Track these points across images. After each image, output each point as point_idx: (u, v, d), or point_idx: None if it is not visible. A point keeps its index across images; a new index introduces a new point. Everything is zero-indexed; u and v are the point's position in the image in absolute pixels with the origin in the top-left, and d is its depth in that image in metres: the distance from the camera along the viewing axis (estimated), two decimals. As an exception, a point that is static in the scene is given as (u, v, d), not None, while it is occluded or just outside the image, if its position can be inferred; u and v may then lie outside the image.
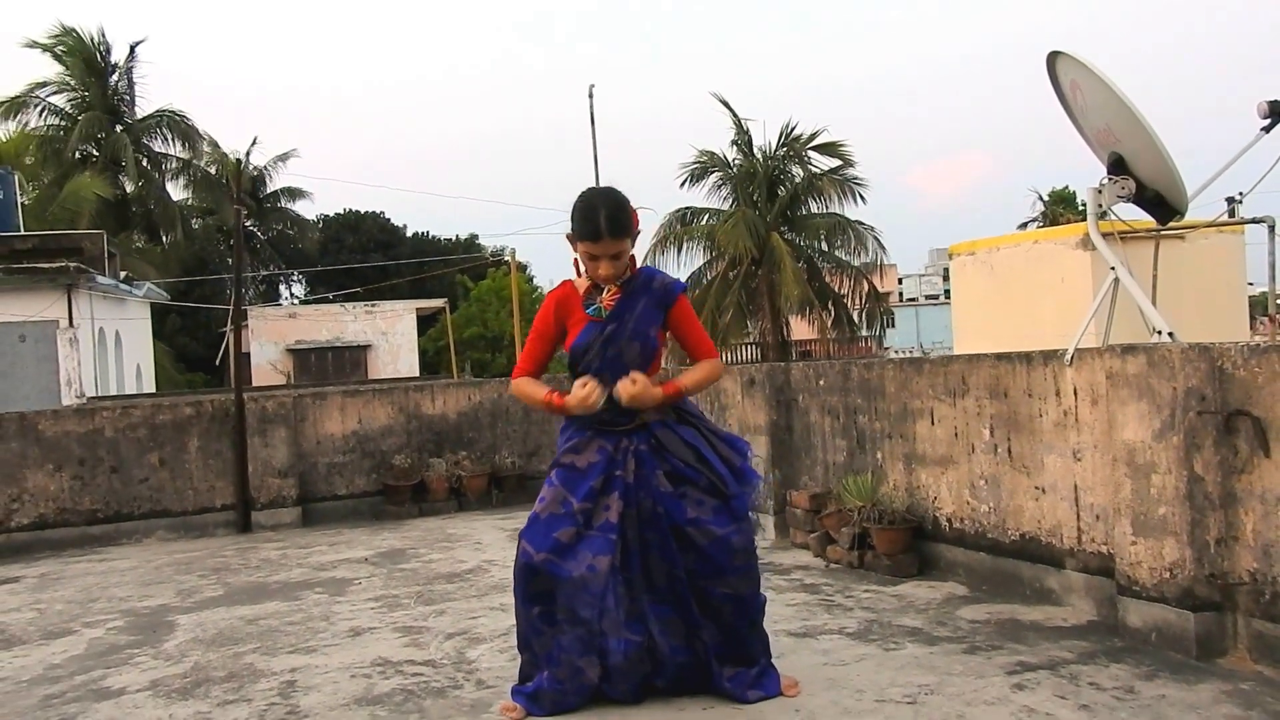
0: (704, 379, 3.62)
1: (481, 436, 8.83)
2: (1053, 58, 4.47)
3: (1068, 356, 4.31)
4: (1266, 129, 4.19)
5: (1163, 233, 4.89)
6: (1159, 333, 4.02)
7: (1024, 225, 46.28)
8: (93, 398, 17.75)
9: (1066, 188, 50.28)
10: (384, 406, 8.56)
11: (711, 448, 3.55)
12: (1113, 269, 4.31)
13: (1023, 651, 3.88)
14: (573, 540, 3.43)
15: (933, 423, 5.19)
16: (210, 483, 7.98)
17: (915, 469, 5.34)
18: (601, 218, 3.38)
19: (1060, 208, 47.47)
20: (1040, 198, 47.86)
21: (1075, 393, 4.30)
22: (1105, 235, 4.62)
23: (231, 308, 8.39)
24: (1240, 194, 4.62)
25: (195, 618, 5.18)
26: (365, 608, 5.20)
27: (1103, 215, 4.44)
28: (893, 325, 31.97)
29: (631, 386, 3.36)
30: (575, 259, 3.56)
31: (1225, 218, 5.05)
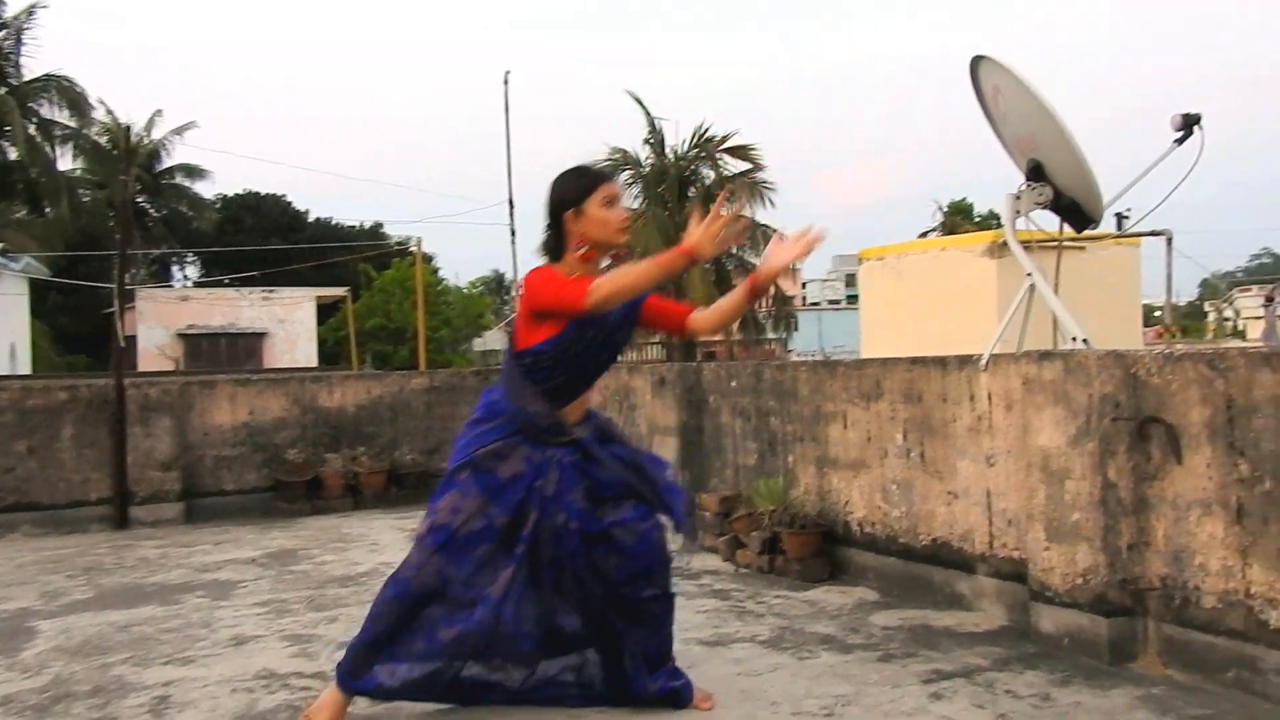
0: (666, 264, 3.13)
1: (381, 432, 8.51)
2: (975, 62, 4.42)
3: (983, 362, 4.27)
4: (1179, 141, 4.21)
5: (1064, 243, 4.91)
6: (1074, 339, 3.99)
7: (924, 234, 47.31)
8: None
9: (964, 199, 51.62)
10: (278, 397, 8.18)
11: (639, 467, 3.42)
12: (1029, 275, 4.28)
13: (937, 659, 3.81)
14: (489, 558, 3.22)
15: (846, 426, 5.12)
16: (85, 474, 7.50)
17: (827, 473, 5.26)
18: (598, 168, 3.34)
19: (959, 218, 48.69)
20: (940, 208, 48.96)
21: (990, 398, 4.26)
22: (1022, 242, 4.61)
23: (116, 286, 7.91)
24: (1128, 209, 4.64)
25: (60, 623, 4.80)
26: (250, 613, 4.90)
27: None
28: (796, 329, 32.31)
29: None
30: (579, 244, 3.21)
31: (1120, 229, 5.07)
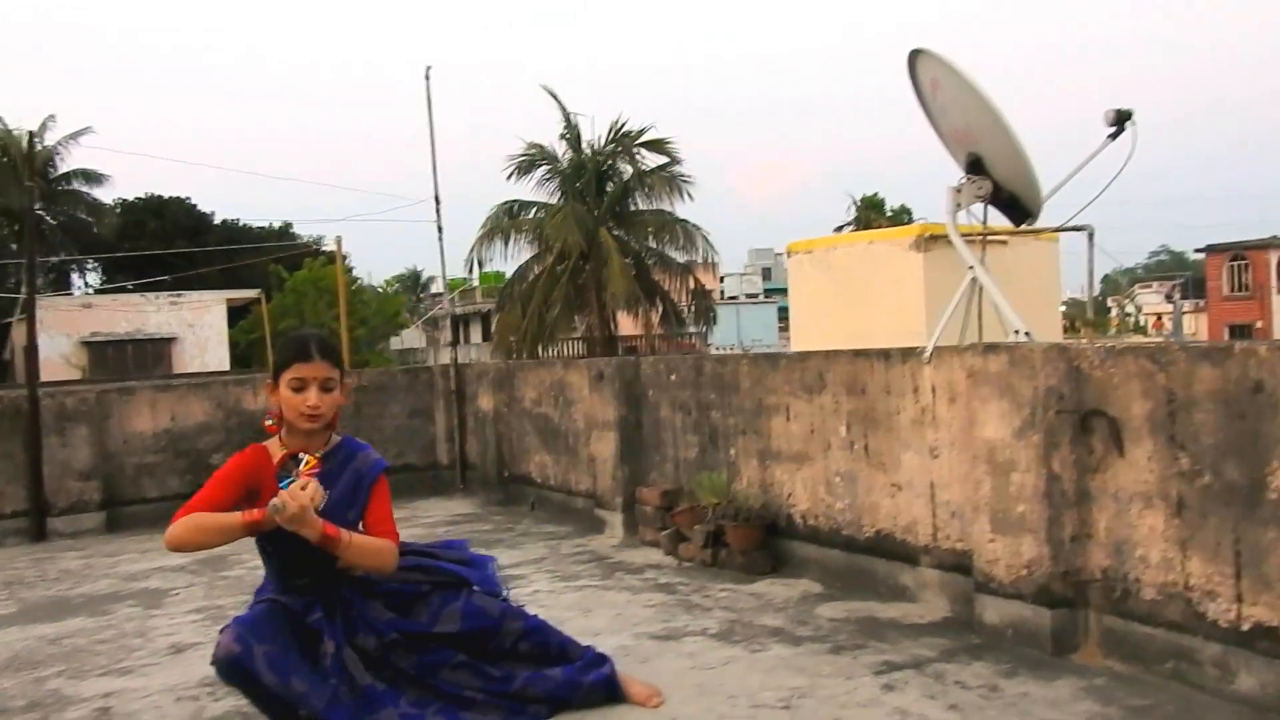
0: (374, 551, 3.08)
1: (308, 434, 8.32)
2: (914, 55, 4.50)
3: (926, 354, 4.34)
4: (1112, 136, 4.33)
5: (987, 237, 5.02)
6: (1017, 332, 4.09)
7: (840, 228, 48.11)
8: None
9: (876, 194, 52.54)
10: (200, 402, 7.95)
11: (432, 558, 3.39)
12: (971, 268, 4.37)
13: (886, 650, 3.88)
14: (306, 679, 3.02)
15: (788, 419, 5.17)
16: (-1, 487, 7.21)
17: (770, 466, 5.31)
18: (312, 341, 3.11)
19: (872, 213, 49.58)
20: (855, 202, 49.81)
21: (933, 390, 4.34)
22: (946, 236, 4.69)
23: (26, 294, 7.60)
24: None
25: (-15, 639, 4.61)
26: (186, 621, 4.77)
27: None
28: (715, 322, 32.53)
29: (301, 496, 2.86)
30: (269, 416, 3.17)
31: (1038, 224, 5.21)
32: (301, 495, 2.86)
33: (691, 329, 30.95)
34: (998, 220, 4.80)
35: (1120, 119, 4.24)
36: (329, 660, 3.02)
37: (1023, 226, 4.50)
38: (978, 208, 4.55)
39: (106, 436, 7.54)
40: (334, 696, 2.99)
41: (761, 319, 50.73)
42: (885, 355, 4.60)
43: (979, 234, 4.93)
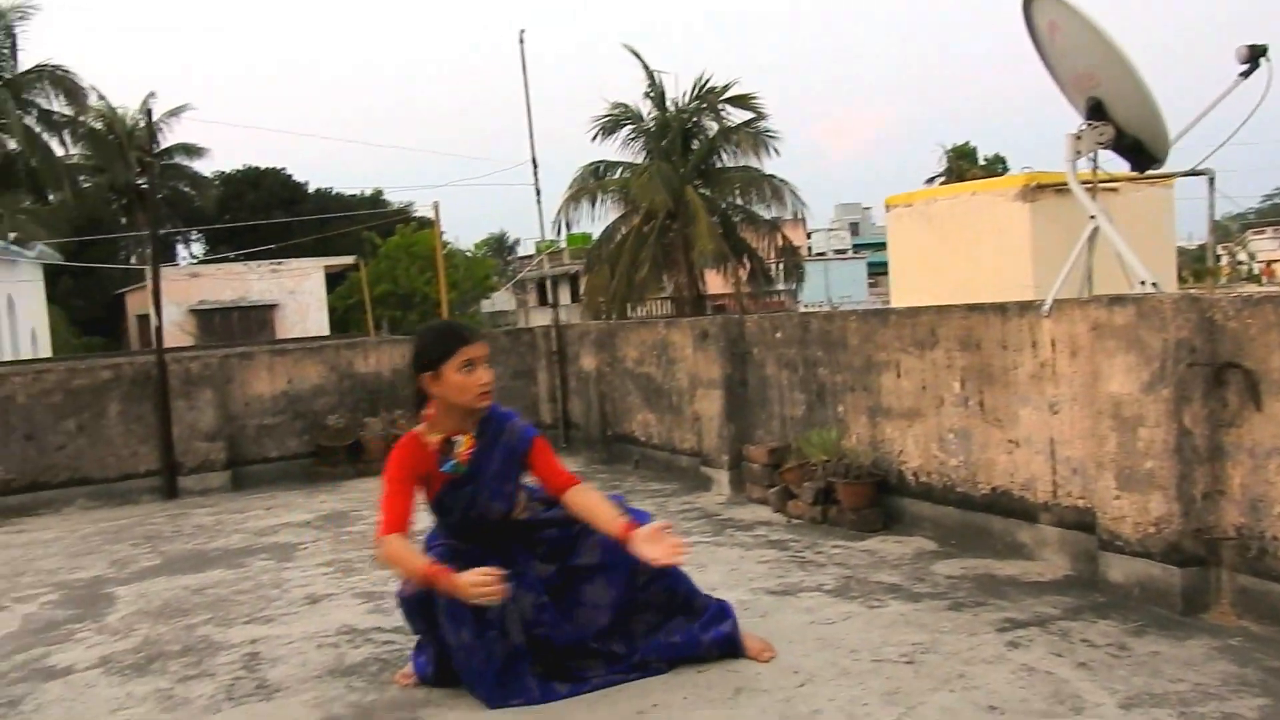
0: (591, 507, 3.28)
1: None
2: (1029, -1, 4.37)
3: (1046, 307, 4.28)
4: (1244, 74, 4.15)
5: (1098, 184, 4.87)
6: (1144, 283, 4.00)
7: (930, 180, 47.11)
8: (-15, 360, 16.84)
9: (968, 143, 51.25)
10: (314, 365, 8.22)
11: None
12: (1092, 217, 4.27)
13: (1008, 608, 3.87)
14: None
15: (899, 375, 5.15)
16: (133, 448, 7.57)
17: (880, 422, 5.31)
18: (463, 328, 3.30)
19: (964, 162, 48.40)
20: (946, 152, 48.66)
21: (1053, 344, 4.28)
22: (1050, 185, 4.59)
23: (151, 268, 7.94)
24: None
25: (135, 589, 4.89)
26: (318, 574, 4.98)
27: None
28: (804, 279, 32.24)
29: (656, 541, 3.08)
30: (426, 409, 3.28)
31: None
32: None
33: (780, 286, 30.73)
34: (1115, 167, 4.68)
35: (1254, 55, 4.05)
36: (493, 612, 3.14)
37: (1147, 172, 4.36)
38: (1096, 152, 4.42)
39: (229, 399, 7.86)
40: (487, 657, 3.15)
41: (850, 275, 50.02)
42: (1001, 309, 4.54)
43: (1092, 181, 4.81)
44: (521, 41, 10.13)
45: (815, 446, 5.45)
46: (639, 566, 3.25)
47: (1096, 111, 4.22)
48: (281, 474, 8.01)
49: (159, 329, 7.81)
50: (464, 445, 3.25)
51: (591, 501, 3.29)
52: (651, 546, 3.09)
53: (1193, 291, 3.65)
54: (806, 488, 5.46)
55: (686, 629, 3.42)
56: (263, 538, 5.93)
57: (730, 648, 3.44)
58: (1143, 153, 4.25)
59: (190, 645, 3.94)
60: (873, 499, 5.25)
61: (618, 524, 3.18)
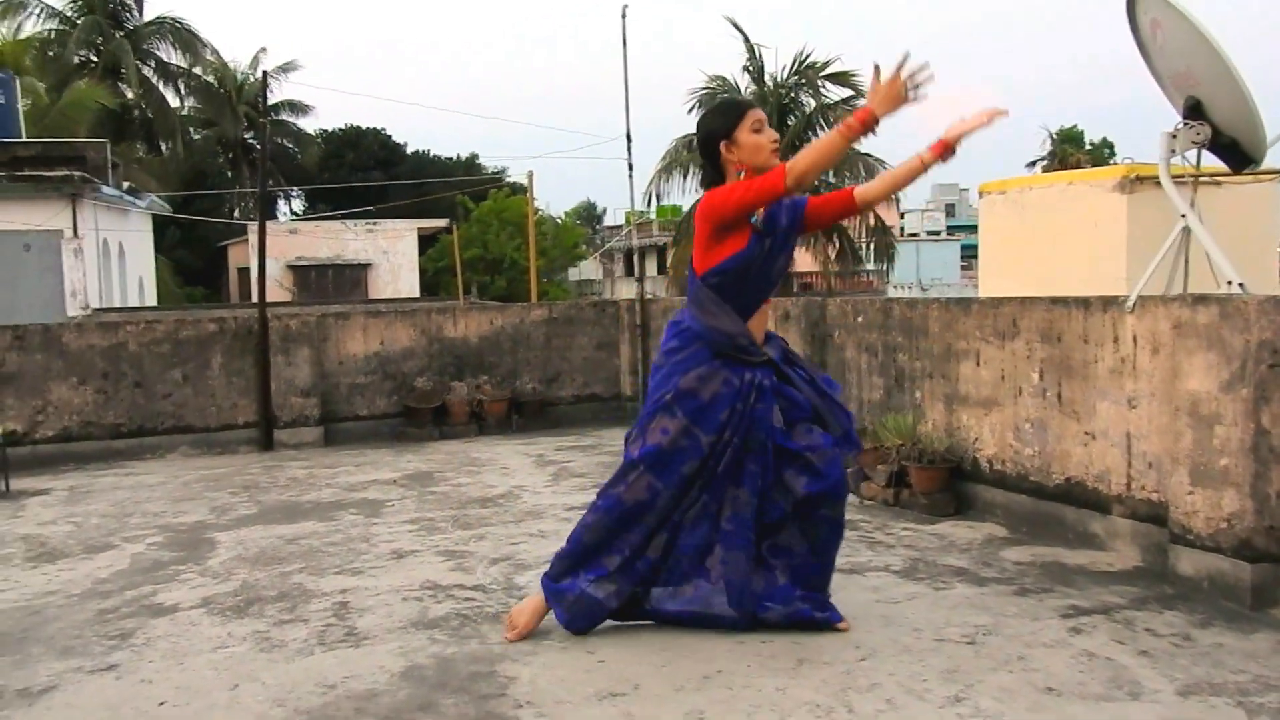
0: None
1: (502, 361, 8.80)
2: (1133, -4, 4.34)
3: (1129, 303, 4.27)
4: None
5: (1200, 179, 4.81)
6: (1230, 283, 3.98)
7: (1033, 164, 45.99)
8: (97, 309, 17.67)
9: (1075, 126, 49.86)
10: (406, 328, 8.51)
11: (821, 389, 3.61)
12: (1183, 216, 4.24)
13: (1073, 595, 3.91)
14: (693, 474, 3.45)
15: (978, 364, 5.17)
16: (233, 400, 7.96)
17: (956, 409, 5.34)
18: (742, 98, 3.50)
19: (1069, 146, 47.09)
20: (1050, 135, 47.42)
21: (1135, 340, 4.28)
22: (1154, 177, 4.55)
23: (259, 223, 8.28)
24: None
25: (234, 535, 5.20)
26: (403, 530, 5.22)
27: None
28: (894, 260, 31.81)
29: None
30: (734, 167, 3.44)
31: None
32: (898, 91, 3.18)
33: (870, 266, 30.41)
34: (1212, 163, 4.63)
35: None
36: (728, 449, 3.42)
37: (1244, 172, 4.31)
38: (1191, 151, 4.39)
39: (324, 357, 8.19)
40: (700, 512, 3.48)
41: (942, 257, 49.11)
42: (1084, 303, 4.53)
43: (1191, 175, 4.76)
44: (624, 17, 10.22)
45: (891, 430, 5.51)
46: (833, 494, 3.47)
47: (1194, 111, 4.20)
48: (370, 432, 8.33)
49: (263, 288, 8.16)
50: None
51: (882, 176, 3.52)
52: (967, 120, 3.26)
53: (1278, 295, 3.62)
54: (880, 470, 5.52)
55: (805, 605, 3.53)
56: (352, 493, 6.21)
57: (824, 628, 3.55)
58: (1239, 152, 4.20)
59: (285, 592, 4.20)
60: (945, 484, 5.29)
61: (920, 154, 3.33)
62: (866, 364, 6.05)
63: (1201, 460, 3.81)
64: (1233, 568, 3.73)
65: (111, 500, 6.22)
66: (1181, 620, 3.62)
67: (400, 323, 8.53)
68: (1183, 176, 4.76)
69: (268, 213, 38.84)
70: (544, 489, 6.17)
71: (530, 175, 28.11)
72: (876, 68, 3.19)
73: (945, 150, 3.29)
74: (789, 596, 3.53)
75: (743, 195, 3.32)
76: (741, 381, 3.44)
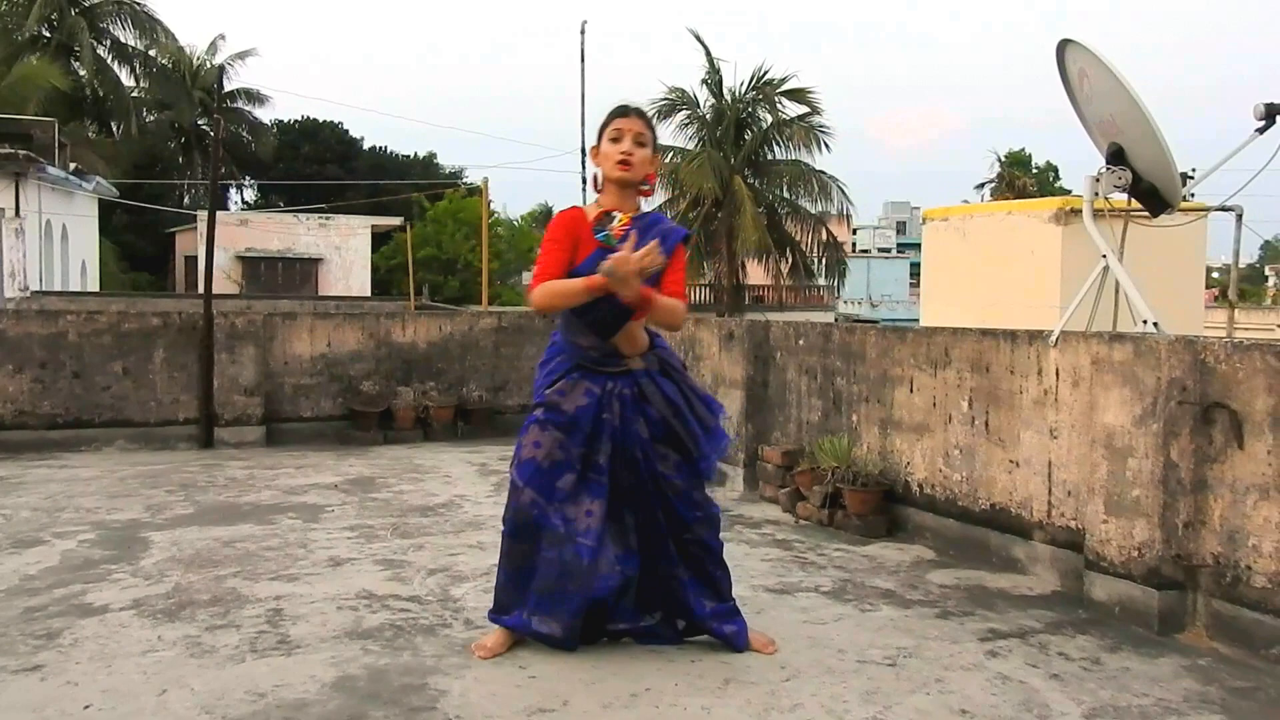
0: (670, 310, 3.41)
1: (450, 368, 8.83)
2: (1062, 46, 4.53)
3: (1053, 338, 4.43)
4: (1261, 130, 4.31)
5: (1131, 213, 5.00)
6: (1145, 322, 4.15)
7: (981, 186, 46.81)
8: (36, 292, 17.38)
9: (1023, 150, 50.81)
10: (354, 331, 8.50)
11: (689, 405, 3.59)
12: (1104, 256, 4.42)
13: (993, 619, 4.05)
14: (573, 488, 3.49)
15: (912, 390, 5.31)
16: (174, 395, 7.90)
17: (890, 434, 5.48)
18: (630, 105, 3.50)
19: (1017, 170, 47.99)
20: (999, 159, 48.29)
21: (1057, 373, 4.44)
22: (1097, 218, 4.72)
23: (209, 215, 8.21)
24: (1193, 169, 4.70)
25: (169, 535, 5.18)
26: (341, 537, 5.23)
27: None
28: (845, 276, 32.24)
29: (633, 261, 3.18)
30: (593, 174, 3.54)
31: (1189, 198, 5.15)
32: (633, 260, 3.17)
33: (821, 281, 30.78)
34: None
35: (1271, 113, 4.22)
36: (604, 458, 3.46)
37: (1160, 216, 4.52)
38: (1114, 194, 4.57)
39: (270, 356, 8.17)
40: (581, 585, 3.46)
41: (893, 274, 49.78)
42: (1012, 336, 4.69)
43: (1122, 210, 4.93)
44: (583, 33, 10.28)
45: (827, 452, 5.63)
46: (697, 518, 3.57)
47: (1117, 157, 4.39)
48: (314, 434, 8.31)
49: (209, 283, 8.11)
50: (621, 220, 3.43)
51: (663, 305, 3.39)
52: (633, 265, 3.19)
53: (1188, 334, 3.80)
54: (816, 491, 5.64)
55: (714, 609, 3.63)
56: (292, 496, 6.21)
57: (733, 647, 3.64)
58: (1157, 198, 4.40)
59: (219, 596, 4.21)
60: (878, 506, 5.43)
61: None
62: (806, 386, 6.18)
63: (1115, 490, 3.97)
64: (1142, 594, 3.89)
65: (43, 493, 6.15)
66: (1093, 644, 3.77)
67: (349, 325, 8.53)
68: (1115, 211, 4.95)
69: (218, 202, 38.40)
70: (485, 499, 6.21)
71: (485, 181, 28.05)
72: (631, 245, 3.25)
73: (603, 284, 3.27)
74: (696, 606, 3.62)
75: (538, 257, 3.47)
76: (603, 391, 3.47)
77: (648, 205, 3.72)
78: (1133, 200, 4.71)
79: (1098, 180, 4.45)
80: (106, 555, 4.80)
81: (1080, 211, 7.56)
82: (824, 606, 4.20)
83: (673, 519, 3.58)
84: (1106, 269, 4.42)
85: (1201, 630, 3.82)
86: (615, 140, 3.43)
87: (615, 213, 3.46)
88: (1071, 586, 4.35)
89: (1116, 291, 4.75)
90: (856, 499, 5.41)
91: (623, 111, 3.47)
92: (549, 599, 3.52)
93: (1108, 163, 4.42)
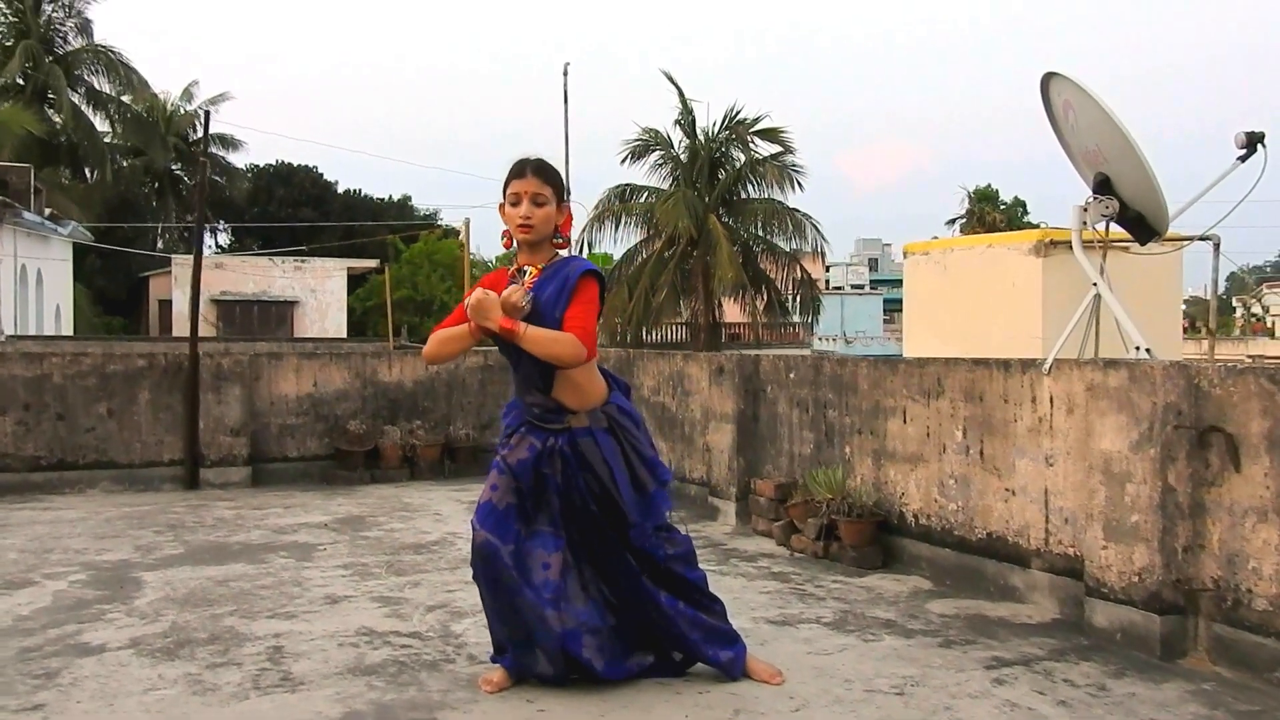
0: (548, 342, 3.32)
1: (436, 406, 8.81)
2: (1047, 79, 4.63)
3: (1046, 366, 4.49)
4: (1242, 159, 4.40)
5: (1109, 244, 5.09)
6: (1138, 349, 4.21)
7: (952, 221, 47.40)
8: (11, 337, 17.19)
9: (990, 185, 51.50)
10: (340, 371, 8.48)
11: (627, 468, 3.55)
12: (1094, 284, 4.49)
13: (996, 647, 4.06)
14: (529, 534, 3.50)
15: (905, 421, 5.35)
16: (159, 436, 7.83)
17: (884, 465, 5.51)
18: (528, 162, 3.50)
19: (985, 205, 48.63)
20: (968, 194, 48.95)
21: (1051, 401, 4.49)
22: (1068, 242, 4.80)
23: (194, 259, 8.19)
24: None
25: (161, 575, 5.12)
26: (336, 575, 5.19)
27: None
28: (820, 313, 32.46)
29: (490, 296, 3.32)
30: (504, 231, 3.56)
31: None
32: (490, 295, 3.32)
33: (796, 318, 30.95)
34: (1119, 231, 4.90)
35: (1251, 141, 4.32)
36: (554, 510, 3.49)
37: (1149, 244, 4.60)
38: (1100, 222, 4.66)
39: (256, 396, 8.12)
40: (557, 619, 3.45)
41: (866, 310, 50.19)
42: (1005, 365, 4.75)
43: (1102, 242, 5.02)
44: (566, 75, 10.39)
45: (821, 484, 5.65)
46: (658, 547, 3.58)
47: (1104, 186, 4.47)
48: (300, 474, 8.25)
49: (195, 324, 8.08)
50: (530, 275, 3.48)
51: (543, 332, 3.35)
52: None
53: (1181, 359, 3.86)
54: (810, 523, 5.65)
55: (705, 638, 3.62)
56: (282, 535, 6.15)
57: (731, 675, 3.63)
58: (1144, 225, 4.48)
59: (216, 634, 4.16)
60: (873, 537, 5.44)
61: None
62: (798, 419, 6.21)
63: (1114, 516, 4.01)
64: (1144, 619, 3.92)
65: (29, 535, 6.07)
66: (1097, 671, 3.78)
67: (334, 364, 8.50)
68: (1093, 241, 5.04)
69: (189, 245, 38.21)
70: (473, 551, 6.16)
71: (467, 222, 28.13)
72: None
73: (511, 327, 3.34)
74: (686, 637, 3.62)
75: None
76: (544, 445, 3.49)
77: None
78: (1112, 229, 4.81)
79: (1085, 209, 4.53)
80: (99, 595, 4.74)
81: (1059, 243, 7.75)
82: (826, 637, 4.20)
83: (643, 558, 3.58)
84: (1098, 297, 4.49)
85: (1204, 655, 3.84)
86: (515, 204, 3.46)
87: (526, 267, 3.51)
88: (1071, 613, 4.37)
89: (1096, 321, 4.85)
90: (851, 530, 5.43)
91: (519, 172, 3.47)
92: (524, 645, 3.50)
93: (1094, 192, 4.51)
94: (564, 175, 10.15)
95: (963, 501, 4.99)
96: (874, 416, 5.58)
